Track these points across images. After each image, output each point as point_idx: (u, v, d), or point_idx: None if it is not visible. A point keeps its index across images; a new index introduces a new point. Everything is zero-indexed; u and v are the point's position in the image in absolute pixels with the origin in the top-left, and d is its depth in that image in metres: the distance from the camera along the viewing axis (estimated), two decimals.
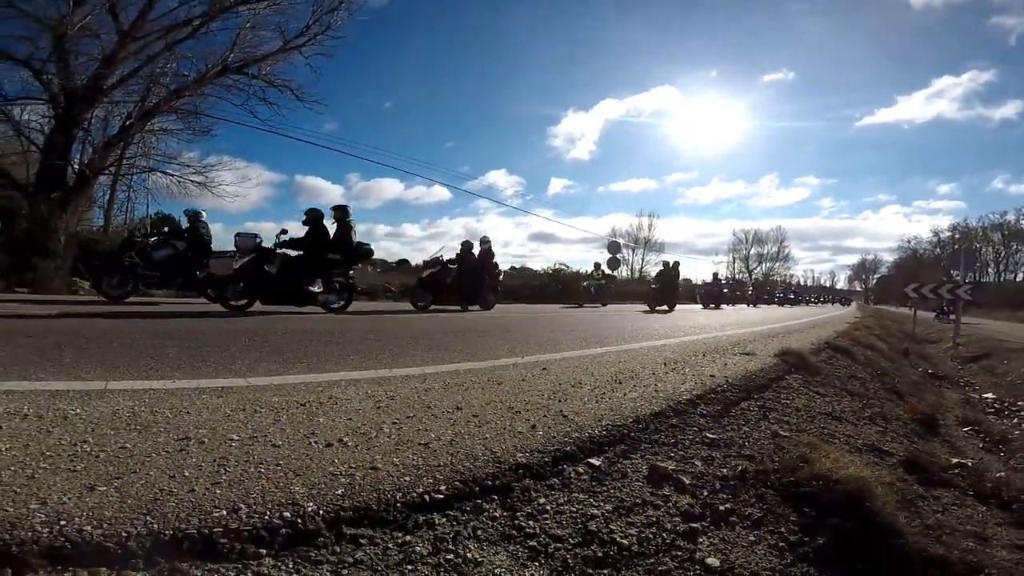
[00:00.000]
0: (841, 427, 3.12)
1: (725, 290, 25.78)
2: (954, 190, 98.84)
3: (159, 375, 2.70)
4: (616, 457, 1.98)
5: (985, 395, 6.87)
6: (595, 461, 1.90)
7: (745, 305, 27.93)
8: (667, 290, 16.55)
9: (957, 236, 62.42)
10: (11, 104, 14.06)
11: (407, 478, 1.56)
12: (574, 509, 1.61)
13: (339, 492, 1.43)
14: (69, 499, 1.26)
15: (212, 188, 16.89)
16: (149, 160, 17.26)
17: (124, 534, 1.15)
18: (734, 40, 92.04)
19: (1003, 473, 3.20)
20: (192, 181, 16.72)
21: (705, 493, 1.85)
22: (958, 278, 15.64)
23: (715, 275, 25.71)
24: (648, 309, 15.09)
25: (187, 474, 1.47)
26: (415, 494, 1.47)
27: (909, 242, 71.35)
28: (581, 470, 1.83)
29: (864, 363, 6.27)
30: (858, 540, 1.81)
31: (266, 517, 1.27)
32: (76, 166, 14.54)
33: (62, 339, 3.74)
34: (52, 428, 1.76)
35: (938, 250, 62.30)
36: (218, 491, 1.38)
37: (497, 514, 1.51)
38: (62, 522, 1.16)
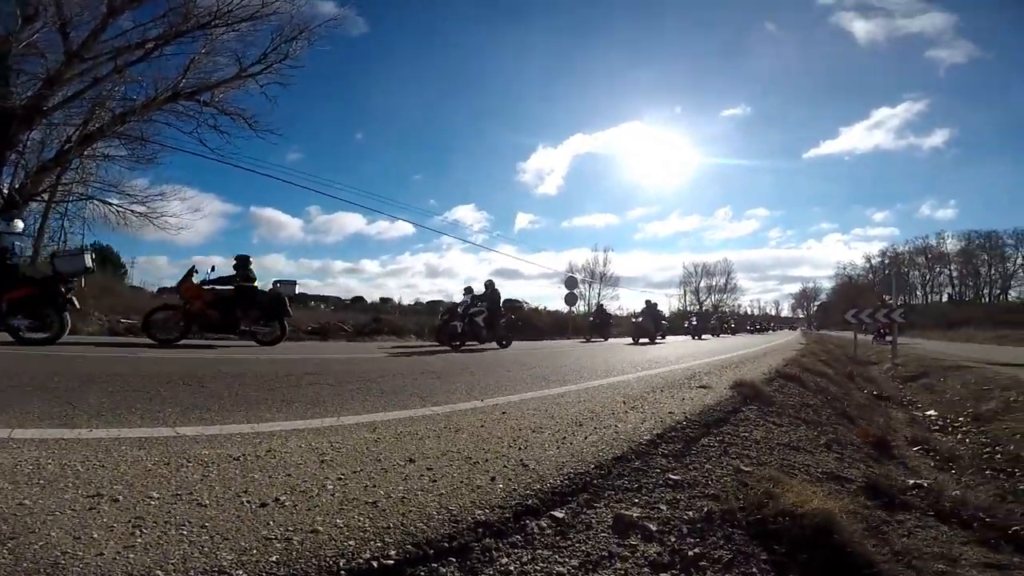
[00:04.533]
0: (800, 457, 3.13)
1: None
2: (888, 217, 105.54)
3: None
4: (580, 507, 1.86)
5: (928, 412, 7.15)
6: (558, 513, 1.77)
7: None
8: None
9: (887, 261, 67.31)
10: None
11: (351, 542, 1.40)
12: (539, 568, 1.49)
13: (273, 559, 1.27)
14: None
15: (154, 219, 15.81)
16: (87, 187, 15.99)
17: None
18: (698, 77, 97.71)
19: (958, 492, 3.26)
20: (133, 211, 15.63)
21: (673, 539, 1.76)
22: (891, 302, 16.56)
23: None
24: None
25: (96, 536, 1.28)
26: (361, 560, 1.32)
27: (845, 268, 75.96)
28: (544, 524, 1.70)
29: (814, 390, 6.45)
30: (832, 574, 1.76)
31: None
32: (5, 190, 13.54)
33: None
34: None
35: (871, 275, 66.63)
36: (131, 555, 1.21)
37: None
38: None
